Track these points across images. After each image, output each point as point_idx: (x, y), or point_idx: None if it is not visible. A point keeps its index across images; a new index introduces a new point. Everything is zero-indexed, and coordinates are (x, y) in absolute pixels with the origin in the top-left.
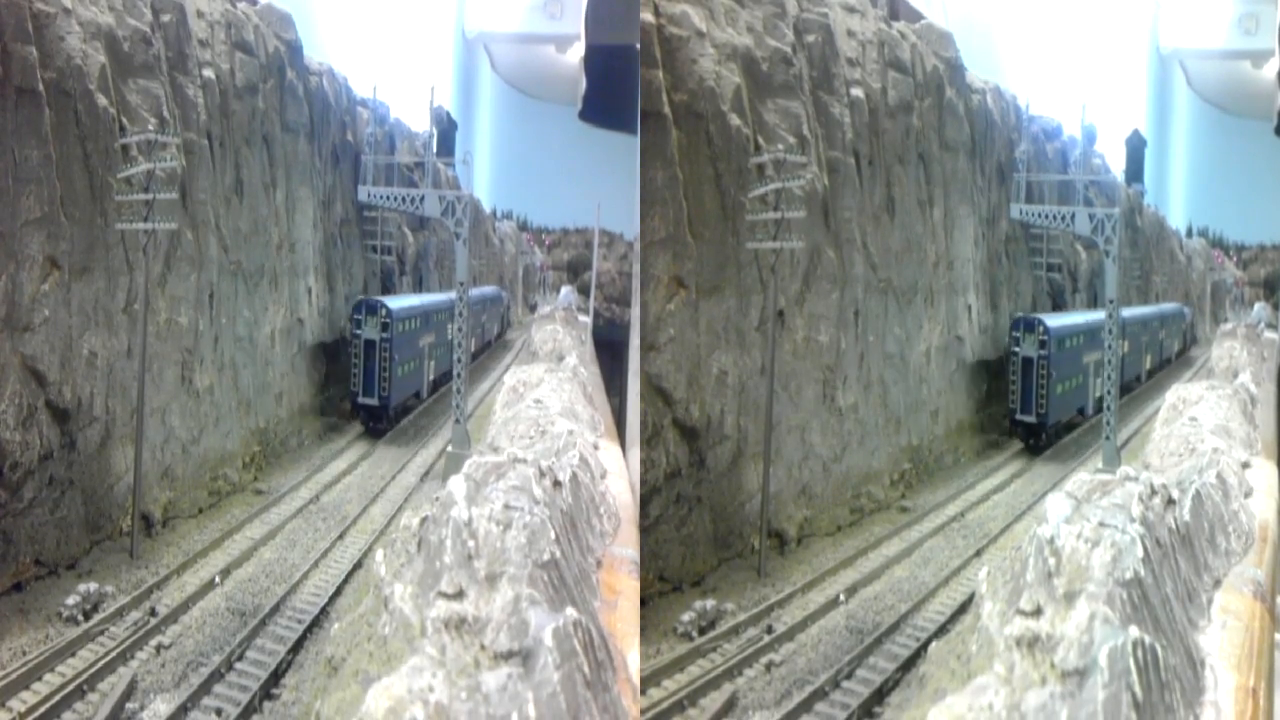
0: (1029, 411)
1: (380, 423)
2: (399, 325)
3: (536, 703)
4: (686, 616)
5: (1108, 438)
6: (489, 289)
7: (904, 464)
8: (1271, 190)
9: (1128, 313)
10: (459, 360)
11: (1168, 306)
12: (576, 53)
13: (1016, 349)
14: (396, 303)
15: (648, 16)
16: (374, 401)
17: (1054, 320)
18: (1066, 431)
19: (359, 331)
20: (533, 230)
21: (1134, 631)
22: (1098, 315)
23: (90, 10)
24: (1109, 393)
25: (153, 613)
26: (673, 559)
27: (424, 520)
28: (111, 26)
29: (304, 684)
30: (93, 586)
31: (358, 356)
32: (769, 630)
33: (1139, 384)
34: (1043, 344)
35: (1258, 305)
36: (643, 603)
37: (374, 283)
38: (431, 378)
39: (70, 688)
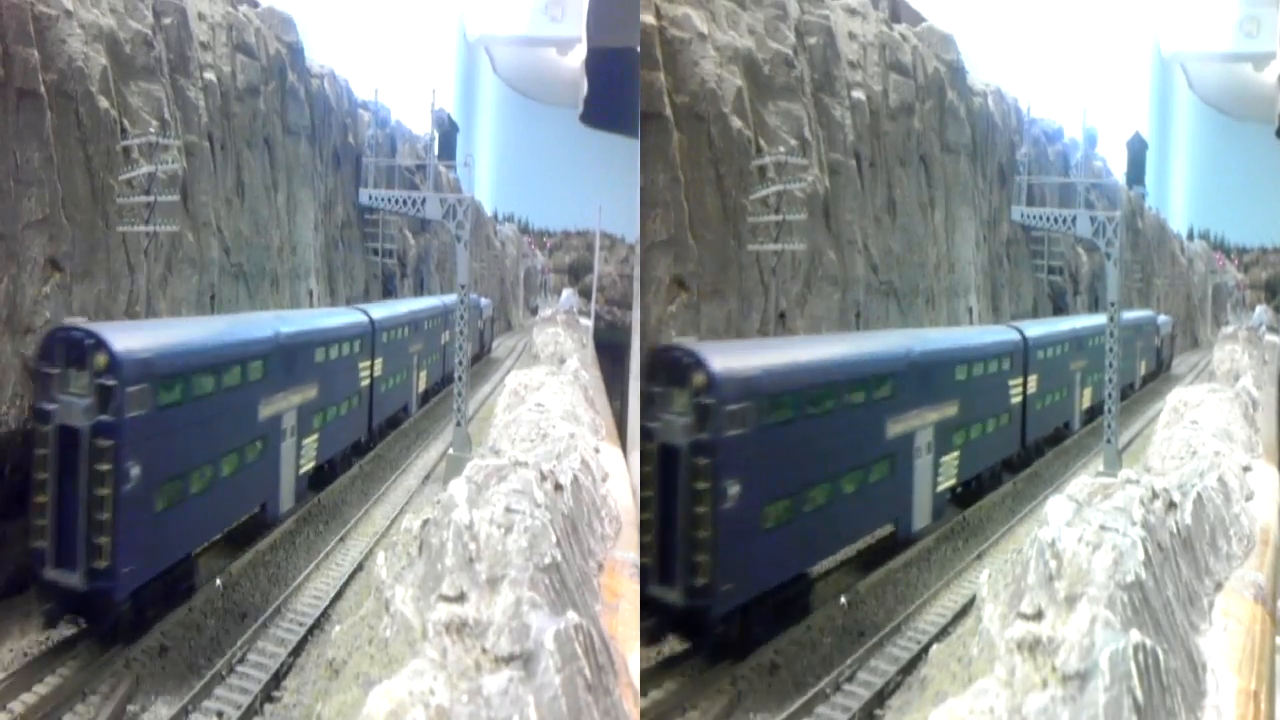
0: None
1: (101, 621)
2: (152, 393)
3: (538, 706)
4: None
5: (1109, 440)
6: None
7: None
8: (1273, 193)
9: (1047, 329)
10: (460, 362)
11: (1129, 316)
12: (578, 55)
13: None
14: (137, 337)
15: (649, 19)
16: (75, 580)
17: (723, 357)
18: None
19: (49, 406)
20: (534, 233)
21: (1135, 635)
22: (834, 348)
23: (92, 13)
24: (1109, 395)
25: (154, 614)
26: None
27: (425, 523)
28: (113, 29)
29: (305, 686)
30: None
31: (44, 469)
32: (769, 632)
33: (1069, 432)
34: (704, 411)
35: (1259, 308)
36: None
37: (375, 285)
38: (312, 463)
39: (71, 689)
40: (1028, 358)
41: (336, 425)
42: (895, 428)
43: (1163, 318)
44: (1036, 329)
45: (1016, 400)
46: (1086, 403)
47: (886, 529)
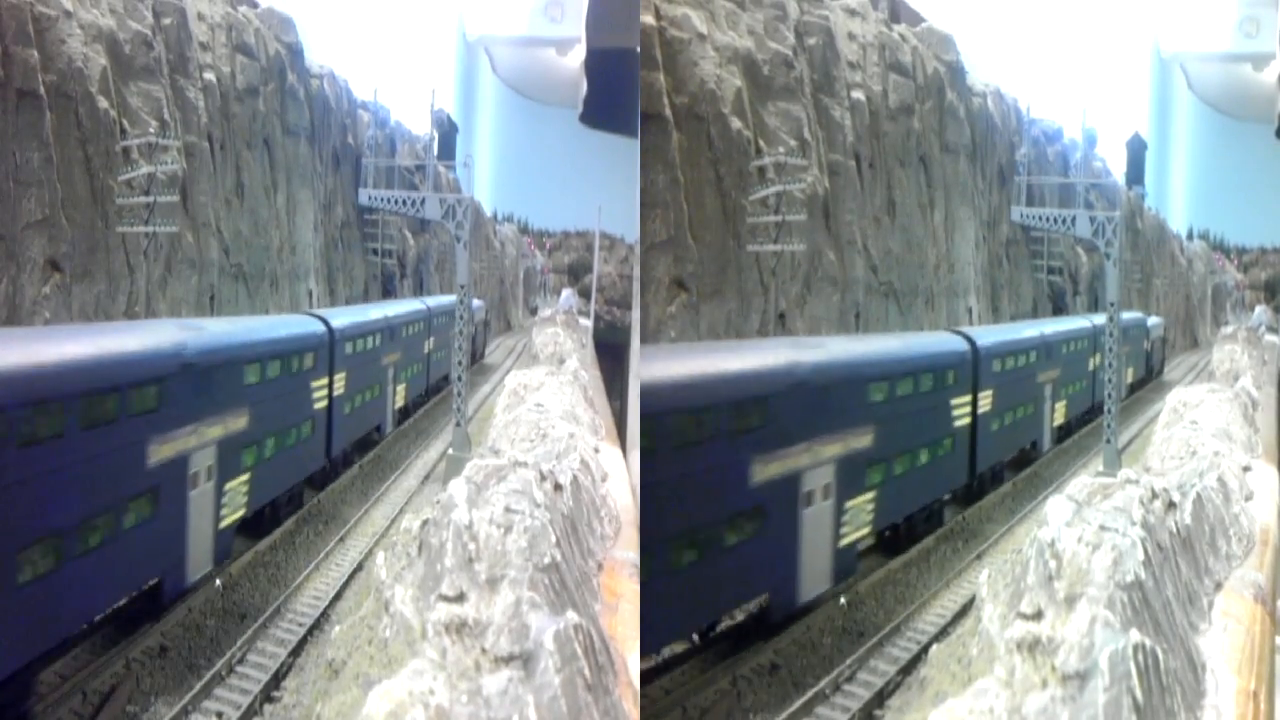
0: None
1: None
2: None
3: (537, 706)
4: None
5: (1108, 441)
6: (445, 299)
7: None
8: (1272, 193)
9: (1006, 336)
10: (459, 362)
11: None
12: (577, 56)
13: None
14: None
15: (649, 19)
16: None
17: None
18: None
19: None
20: (533, 233)
21: (1135, 635)
22: None
23: (91, 13)
24: (1110, 395)
25: (153, 614)
26: None
27: (425, 523)
28: (113, 29)
29: (305, 687)
30: None
31: None
32: (769, 633)
33: (1037, 454)
34: None
35: (1258, 308)
36: None
37: (374, 286)
38: (240, 511)
39: (70, 689)
40: (978, 370)
41: (278, 460)
42: (766, 470)
43: (1153, 319)
44: (991, 336)
45: (963, 423)
46: (1060, 418)
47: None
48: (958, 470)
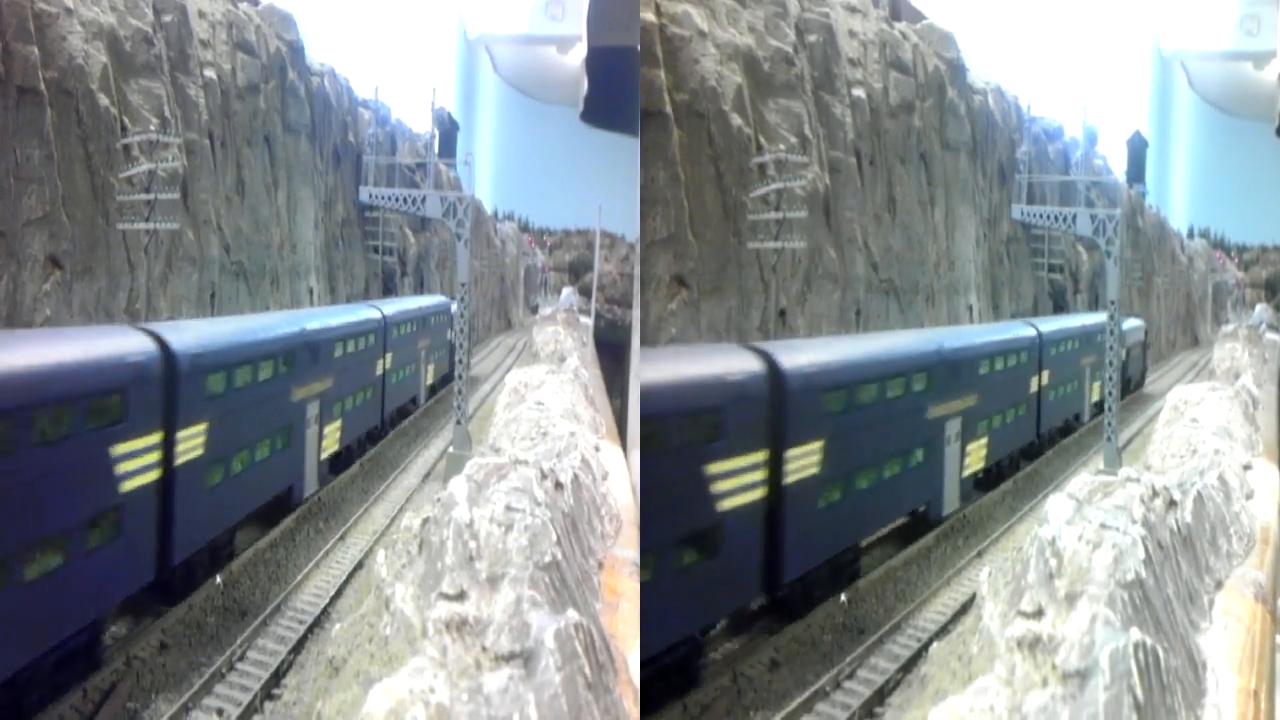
0: None
1: None
2: None
3: (538, 704)
4: None
5: (1109, 439)
6: (431, 300)
7: None
8: (1273, 191)
9: (852, 352)
10: (460, 361)
11: (1076, 324)
12: (578, 54)
13: None
14: None
15: (649, 16)
16: None
17: None
18: None
19: None
20: (534, 232)
21: (1135, 633)
22: None
23: (92, 10)
24: (1110, 394)
25: (154, 613)
26: None
27: (425, 521)
28: (113, 26)
29: (305, 684)
30: None
31: None
32: (770, 630)
33: (932, 521)
34: None
35: (1259, 307)
36: None
37: (375, 283)
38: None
39: (71, 687)
40: (784, 406)
41: (28, 597)
42: None
43: (1130, 322)
44: (811, 354)
45: (746, 499)
46: (976, 463)
47: None
48: (741, 583)
